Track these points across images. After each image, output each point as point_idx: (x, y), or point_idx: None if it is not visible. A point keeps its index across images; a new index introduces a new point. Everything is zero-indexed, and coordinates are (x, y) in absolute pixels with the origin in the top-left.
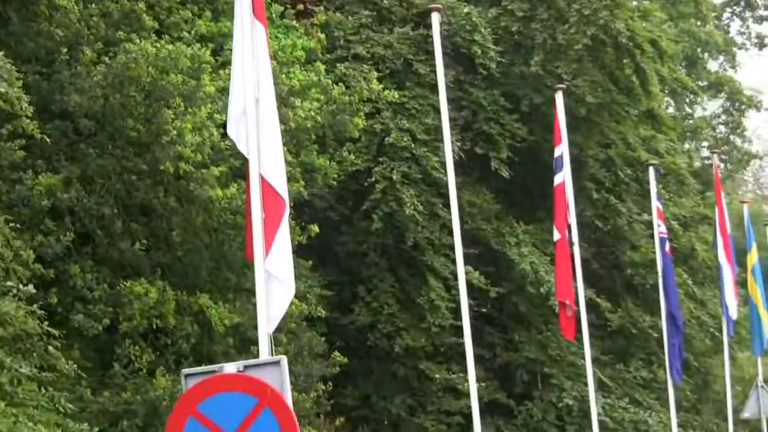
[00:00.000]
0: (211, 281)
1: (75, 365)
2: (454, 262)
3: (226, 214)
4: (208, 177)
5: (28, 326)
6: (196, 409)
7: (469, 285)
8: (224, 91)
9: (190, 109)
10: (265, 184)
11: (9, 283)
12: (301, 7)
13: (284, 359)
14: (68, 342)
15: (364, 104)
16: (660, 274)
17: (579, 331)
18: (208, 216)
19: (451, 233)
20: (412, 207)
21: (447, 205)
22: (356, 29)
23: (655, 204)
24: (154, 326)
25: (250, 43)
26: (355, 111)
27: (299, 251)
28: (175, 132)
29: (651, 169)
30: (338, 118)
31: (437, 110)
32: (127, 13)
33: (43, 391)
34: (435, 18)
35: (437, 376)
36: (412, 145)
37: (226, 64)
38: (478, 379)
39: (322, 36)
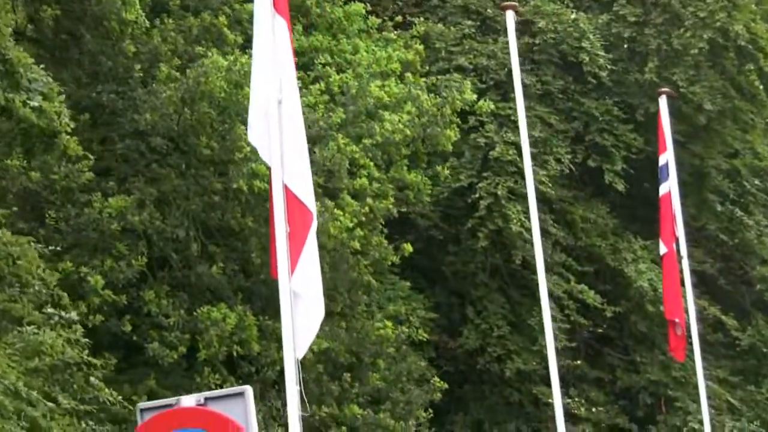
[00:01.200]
0: None
1: (120, 396)
2: (567, 281)
3: None
4: None
5: (66, 356)
6: None
7: (585, 305)
8: (312, 107)
9: None
10: (289, 194)
11: (50, 310)
12: (399, 18)
13: (249, 390)
14: (144, 371)
15: (468, 117)
16: None
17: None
18: None
19: (564, 250)
20: (519, 224)
21: (557, 221)
22: (458, 40)
23: None
24: (236, 353)
25: (271, 40)
26: (448, 123)
27: (402, 272)
28: (248, 148)
29: None
30: (429, 131)
31: (545, 122)
32: (207, 27)
33: (83, 425)
34: (509, 16)
35: (549, 401)
36: (518, 158)
37: (319, 78)
38: (598, 404)
39: (421, 48)
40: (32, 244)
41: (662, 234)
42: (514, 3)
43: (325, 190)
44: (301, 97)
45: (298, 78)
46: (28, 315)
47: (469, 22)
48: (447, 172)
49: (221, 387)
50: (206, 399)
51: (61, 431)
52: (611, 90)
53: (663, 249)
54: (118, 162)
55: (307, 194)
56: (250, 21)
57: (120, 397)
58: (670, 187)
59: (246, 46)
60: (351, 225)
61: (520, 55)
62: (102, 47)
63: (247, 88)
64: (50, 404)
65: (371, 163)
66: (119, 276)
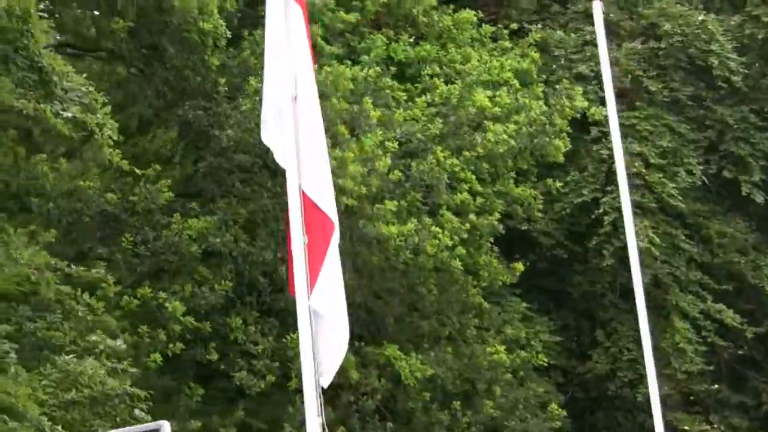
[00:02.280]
0: (400, 329)
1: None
2: (704, 300)
3: (405, 253)
4: (380, 212)
5: (107, 387)
6: None
7: (724, 325)
8: (416, 120)
9: (354, 138)
10: (307, 201)
11: (94, 338)
12: (514, 26)
13: (166, 425)
14: (232, 402)
15: (590, 128)
16: None
17: None
18: (384, 257)
19: (700, 267)
20: (647, 240)
21: (691, 237)
22: (580, 47)
23: None
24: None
25: (285, 30)
26: (558, 132)
27: (526, 294)
28: (335, 162)
29: None
30: (537, 141)
31: (674, 131)
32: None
33: None
34: (597, 7)
35: (686, 427)
36: (644, 170)
37: (426, 90)
38: (741, 429)
39: (537, 56)
40: (73, 266)
41: None
42: None
43: (423, 206)
44: (406, 110)
45: (405, 90)
46: (69, 344)
47: (590, 28)
48: (559, 184)
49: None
50: None
51: None
52: (746, 96)
53: None
54: (206, 181)
55: (327, 202)
56: (344, 33)
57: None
58: None
59: (352, 58)
60: (451, 243)
61: (645, 61)
62: (187, 61)
63: (334, 99)
64: None
65: (473, 177)
66: (201, 302)
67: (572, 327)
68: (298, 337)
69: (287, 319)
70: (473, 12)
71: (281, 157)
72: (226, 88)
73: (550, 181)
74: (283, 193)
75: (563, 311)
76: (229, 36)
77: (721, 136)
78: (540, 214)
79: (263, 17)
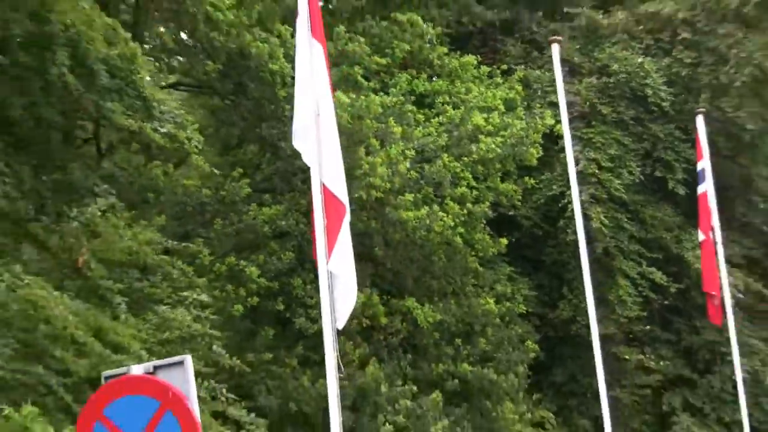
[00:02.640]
0: (417, 287)
1: (238, 360)
2: (640, 264)
3: (420, 231)
4: (402, 202)
5: (192, 329)
6: (102, 413)
7: (655, 283)
8: (430, 135)
9: (383, 148)
10: (326, 191)
11: (185, 294)
12: (504, 67)
13: (188, 359)
14: (295, 341)
15: (558, 140)
16: None
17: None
18: (405, 234)
19: (638, 241)
20: (599, 222)
21: (632, 219)
22: (551, 82)
23: None
24: (364, 325)
25: (309, 63)
26: (532, 143)
27: (512, 261)
28: (367, 166)
29: None
30: (517, 149)
31: (620, 142)
32: (345, 76)
33: (206, 383)
34: (555, 48)
35: (627, 357)
36: (597, 171)
37: (438, 114)
38: (667, 357)
39: (520, 88)
40: (174, 242)
41: (700, 225)
42: (558, 38)
43: (434, 197)
44: (424, 128)
45: (423, 114)
46: (166, 298)
47: (560, 69)
48: (533, 181)
49: (354, 352)
50: (155, 368)
51: None
52: (672, 117)
53: (701, 237)
54: (276, 180)
55: (341, 191)
56: (379, 72)
57: (238, 361)
58: (706, 188)
59: (377, 89)
60: (453, 224)
61: (599, 92)
62: (263, 93)
63: (368, 120)
64: None
65: (470, 176)
66: (271, 267)
67: (546, 285)
68: None
69: None
70: (474, 57)
71: (307, 158)
72: (292, 112)
73: (527, 179)
74: None
75: (539, 274)
76: (293, 75)
77: (654, 146)
78: (519, 203)
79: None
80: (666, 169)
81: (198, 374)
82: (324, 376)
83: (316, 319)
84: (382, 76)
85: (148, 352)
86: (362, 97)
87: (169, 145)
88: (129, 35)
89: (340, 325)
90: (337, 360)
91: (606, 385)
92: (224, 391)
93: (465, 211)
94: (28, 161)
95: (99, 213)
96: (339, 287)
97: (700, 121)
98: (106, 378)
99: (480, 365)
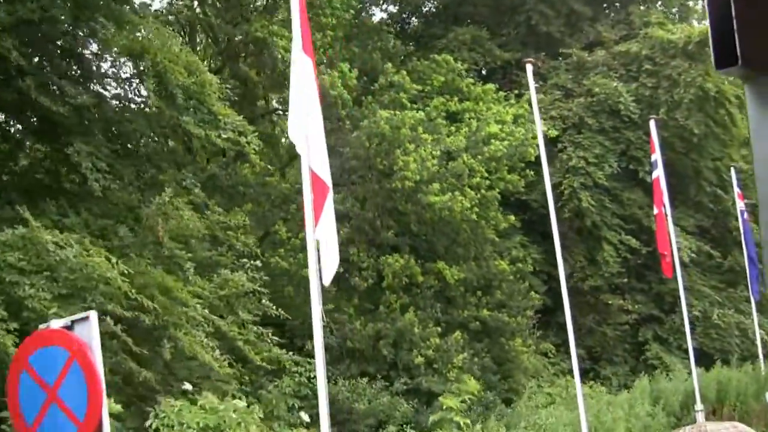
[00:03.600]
0: (446, 253)
1: (282, 311)
2: (620, 234)
3: (445, 211)
4: (431, 189)
5: (246, 287)
6: (27, 362)
7: (631, 247)
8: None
9: (415, 150)
10: (313, 174)
11: (243, 260)
12: (516, 92)
13: (93, 314)
14: (348, 294)
15: (557, 143)
16: (742, 232)
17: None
18: (434, 213)
19: (618, 216)
20: (587, 202)
21: (612, 200)
22: (552, 101)
23: (737, 191)
24: (404, 282)
25: (302, 74)
26: (531, 143)
27: (526, 233)
28: (402, 163)
29: (732, 170)
30: (519, 149)
31: (602, 144)
32: (393, 99)
33: (255, 329)
34: (529, 67)
35: (610, 302)
36: (585, 165)
37: (465, 126)
38: (640, 303)
39: (527, 106)
40: (233, 219)
41: (654, 201)
42: (531, 60)
43: (456, 185)
44: (449, 136)
45: (455, 126)
46: (231, 263)
47: (558, 92)
48: (531, 174)
49: (395, 303)
50: (72, 322)
51: (237, 334)
52: (640, 125)
53: (655, 210)
54: (337, 176)
55: (325, 173)
56: (422, 97)
57: (282, 311)
58: (658, 174)
59: (419, 108)
60: (470, 206)
61: (586, 108)
62: (328, 114)
63: (403, 129)
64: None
65: (483, 170)
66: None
67: (550, 251)
68: (386, 258)
69: (383, 248)
70: (494, 85)
71: (299, 148)
72: (349, 126)
73: (529, 172)
74: (376, 180)
75: (546, 242)
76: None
77: (628, 147)
78: (526, 190)
79: (373, 86)
80: (637, 163)
81: (249, 322)
82: (373, 321)
83: (367, 278)
84: (424, 101)
85: (210, 306)
86: (397, 113)
87: (229, 147)
88: (206, 68)
89: (327, 282)
90: (322, 312)
91: (596, 323)
92: (270, 334)
93: (478, 196)
94: (131, 163)
95: (167, 199)
96: (324, 251)
97: (653, 125)
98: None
99: (497, 311)
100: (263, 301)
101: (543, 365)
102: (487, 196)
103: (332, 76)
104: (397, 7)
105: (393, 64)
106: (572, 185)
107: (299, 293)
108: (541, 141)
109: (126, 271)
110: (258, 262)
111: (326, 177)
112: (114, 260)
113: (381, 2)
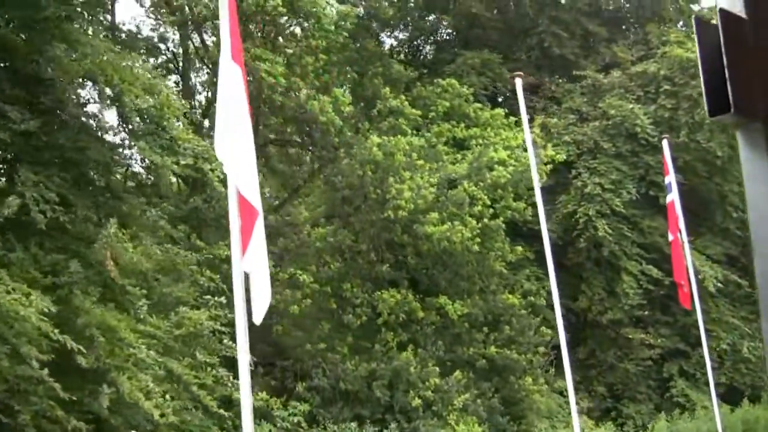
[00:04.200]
0: (448, 286)
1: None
2: (641, 264)
3: (443, 242)
4: (428, 219)
5: (205, 326)
6: None
7: (653, 277)
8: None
9: (410, 178)
10: (241, 197)
11: (207, 297)
12: (528, 116)
13: None
14: (341, 332)
15: (571, 170)
16: None
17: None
18: (431, 245)
19: (638, 246)
20: (603, 230)
21: (632, 228)
22: (566, 126)
23: None
24: (401, 319)
25: (230, 83)
26: (542, 170)
27: (538, 265)
28: (395, 191)
29: None
30: (525, 174)
31: (619, 170)
32: (393, 126)
33: (213, 372)
34: (518, 82)
35: (632, 336)
36: (601, 191)
37: (471, 151)
38: (665, 336)
39: (538, 131)
40: (193, 254)
41: (669, 227)
42: (520, 73)
43: (456, 214)
44: (454, 164)
45: (462, 153)
46: (193, 300)
47: (572, 116)
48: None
49: (393, 341)
50: None
51: (192, 377)
52: (659, 149)
53: (670, 237)
54: (336, 206)
55: (254, 197)
56: (426, 123)
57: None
58: (673, 198)
59: (421, 135)
60: (471, 236)
61: (602, 132)
62: (321, 141)
63: (398, 156)
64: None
65: (486, 197)
66: (323, 275)
67: (567, 282)
68: (381, 293)
69: (377, 283)
70: (503, 109)
71: (226, 167)
72: (343, 154)
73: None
74: (369, 210)
75: (562, 273)
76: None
77: (647, 172)
78: (530, 217)
79: (371, 112)
80: (657, 188)
81: (206, 364)
82: (367, 361)
83: (361, 315)
84: (429, 127)
85: (164, 347)
86: (390, 138)
87: (189, 174)
88: (171, 90)
89: (257, 320)
90: (250, 361)
91: (617, 358)
92: (231, 378)
93: (480, 225)
94: (87, 194)
95: (112, 231)
96: (255, 284)
97: (665, 145)
98: None
99: (506, 348)
100: (224, 341)
101: (558, 405)
102: (490, 225)
103: (323, 102)
104: (407, 34)
105: (396, 89)
106: (587, 213)
107: (299, 330)
108: (532, 159)
109: (47, 310)
110: (223, 299)
111: (255, 200)
112: (33, 298)
113: (390, 29)
